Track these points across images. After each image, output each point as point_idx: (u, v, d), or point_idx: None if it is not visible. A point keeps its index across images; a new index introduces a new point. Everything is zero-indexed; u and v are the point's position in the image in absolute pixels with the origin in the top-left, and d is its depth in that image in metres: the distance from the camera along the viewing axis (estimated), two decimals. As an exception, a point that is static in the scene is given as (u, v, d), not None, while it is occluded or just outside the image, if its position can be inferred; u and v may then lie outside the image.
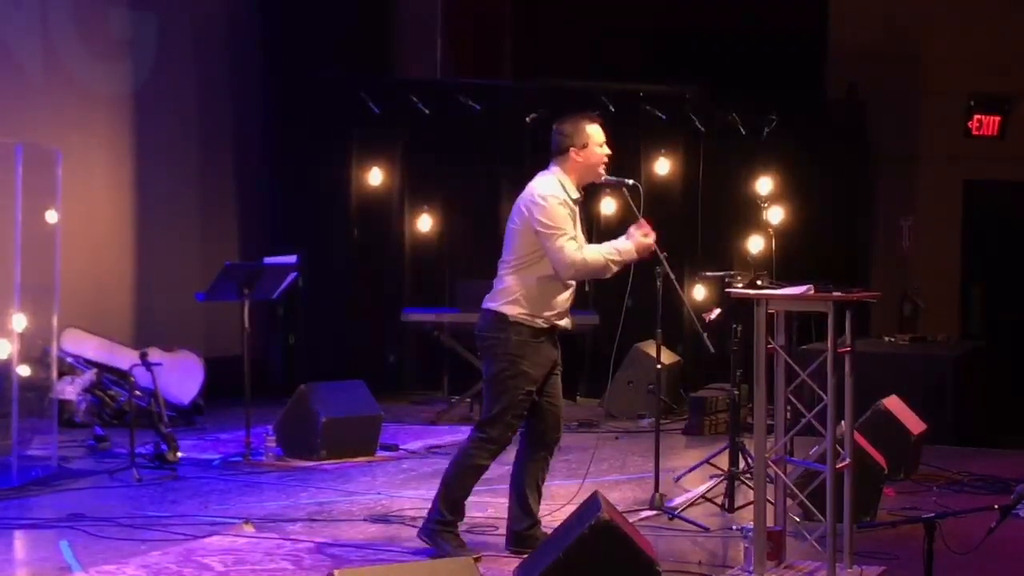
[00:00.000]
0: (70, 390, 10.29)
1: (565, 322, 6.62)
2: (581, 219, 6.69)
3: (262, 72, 12.83)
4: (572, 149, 6.58)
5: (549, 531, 6.58)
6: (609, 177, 6.94)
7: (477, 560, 6.21)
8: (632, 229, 6.58)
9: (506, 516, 6.76)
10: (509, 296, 6.51)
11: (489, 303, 6.59)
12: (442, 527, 6.58)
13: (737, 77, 12.84)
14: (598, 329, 11.58)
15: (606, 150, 6.64)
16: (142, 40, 11.87)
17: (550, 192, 6.50)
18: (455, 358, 11.77)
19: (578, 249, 6.45)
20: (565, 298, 6.57)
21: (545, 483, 6.77)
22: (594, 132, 6.62)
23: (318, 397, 9.20)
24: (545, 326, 6.52)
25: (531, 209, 6.49)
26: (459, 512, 6.65)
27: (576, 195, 6.59)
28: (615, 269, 6.53)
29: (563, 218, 6.45)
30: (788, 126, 12.72)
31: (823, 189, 12.94)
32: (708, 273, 9.33)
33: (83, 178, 10.88)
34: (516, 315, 6.48)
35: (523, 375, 6.49)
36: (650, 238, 6.56)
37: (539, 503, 6.73)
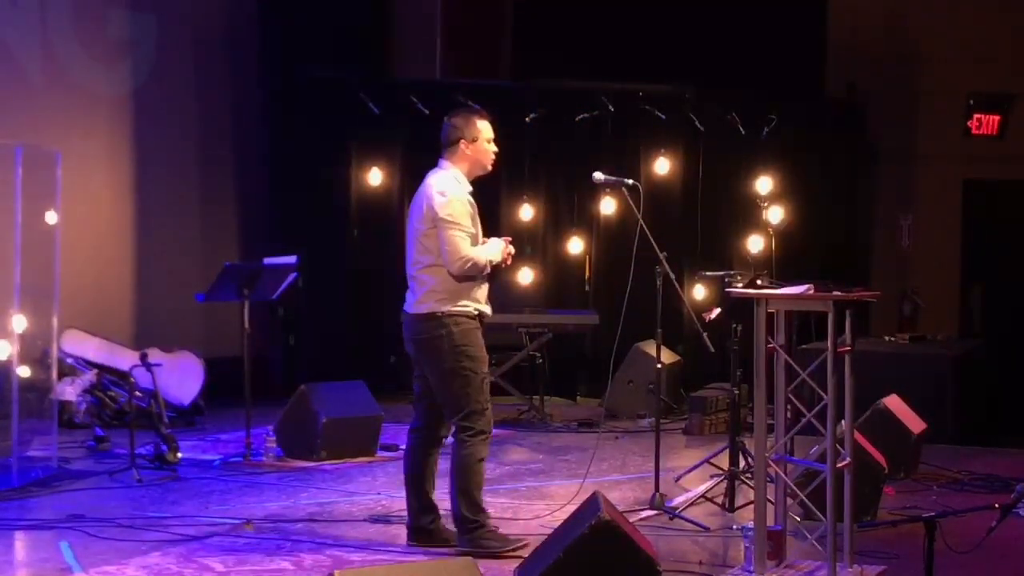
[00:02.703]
0: (70, 391, 10.30)
1: (488, 309, 6.79)
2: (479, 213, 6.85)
3: (262, 72, 12.83)
4: (462, 142, 6.77)
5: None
6: (609, 177, 6.95)
7: (519, 548, 6.33)
8: (501, 240, 6.78)
9: (406, 512, 6.88)
10: (437, 295, 6.63)
11: (418, 307, 6.69)
12: (478, 530, 6.62)
13: (737, 77, 12.83)
14: (598, 329, 11.58)
15: (494, 147, 6.83)
16: (142, 41, 11.87)
17: (450, 188, 6.68)
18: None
19: (471, 247, 6.62)
20: (484, 287, 6.76)
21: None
22: (484, 127, 6.81)
23: (318, 397, 9.20)
24: (476, 313, 6.69)
25: (432, 205, 6.63)
26: (482, 510, 6.69)
27: (469, 188, 6.78)
28: (488, 269, 6.71)
29: (464, 215, 6.65)
30: (788, 126, 12.71)
31: (823, 189, 12.94)
32: (708, 273, 9.34)
33: (83, 179, 10.89)
34: (451, 310, 6.62)
35: (476, 359, 6.64)
36: (510, 251, 6.79)
37: (435, 491, 6.86)
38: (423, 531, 6.83)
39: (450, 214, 6.60)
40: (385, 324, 12.50)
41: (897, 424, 8.62)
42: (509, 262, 6.86)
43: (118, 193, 11.71)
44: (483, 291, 6.74)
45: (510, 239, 6.88)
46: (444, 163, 6.81)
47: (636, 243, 7.15)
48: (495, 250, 6.75)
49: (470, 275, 6.62)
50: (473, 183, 6.84)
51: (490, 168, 6.86)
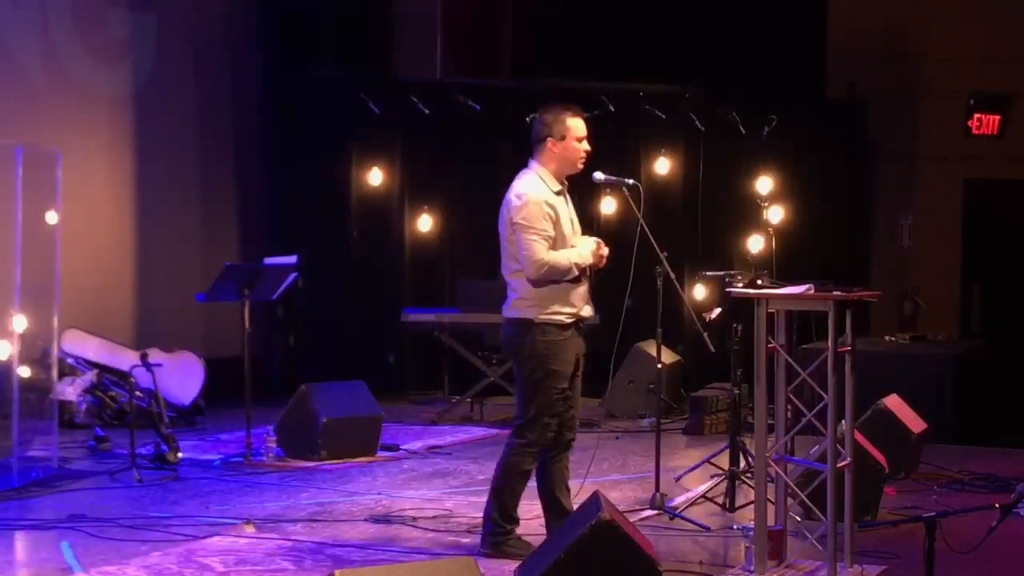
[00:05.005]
0: (71, 391, 10.30)
1: (588, 311, 6.64)
2: (572, 208, 6.70)
3: (262, 72, 12.84)
4: (550, 140, 6.59)
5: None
6: (609, 176, 6.93)
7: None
8: (593, 242, 6.62)
9: (544, 523, 6.75)
10: (527, 301, 6.52)
11: (510, 312, 6.60)
12: (504, 537, 6.59)
13: (737, 77, 12.84)
14: (598, 329, 11.55)
15: (585, 145, 6.64)
16: (142, 41, 11.88)
17: (528, 191, 6.52)
18: (455, 358, 11.77)
19: (548, 250, 6.45)
20: (582, 290, 6.59)
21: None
22: (575, 126, 6.61)
23: (319, 397, 9.19)
24: (569, 321, 6.55)
25: (510, 209, 6.53)
26: (515, 519, 6.65)
27: (558, 187, 6.59)
28: (575, 272, 6.54)
29: (540, 217, 6.46)
30: (788, 126, 12.72)
31: (823, 189, 12.94)
32: (708, 273, 9.34)
33: (83, 179, 10.89)
34: (540, 317, 6.49)
35: (554, 374, 6.52)
36: (603, 252, 6.60)
37: (571, 501, 6.74)
38: None
39: (524, 218, 6.44)
40: (385, 324, 12.53)
41: (897, 424, 8.62)
42: (603, 263, 6.63)
43: (118, 193, 11.72)
44: (578, 294, 6.55)
45: (602, 241, 6.67)
46: (532, 163, 6.63)
47: (636, 243, 7.15)
48: (584, 252, 6.55)
49: (550, 280, 6.45)
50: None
51: (580, 167, 6.64)
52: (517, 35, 14.35)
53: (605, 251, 6.62)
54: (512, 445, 6.60)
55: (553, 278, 6.47)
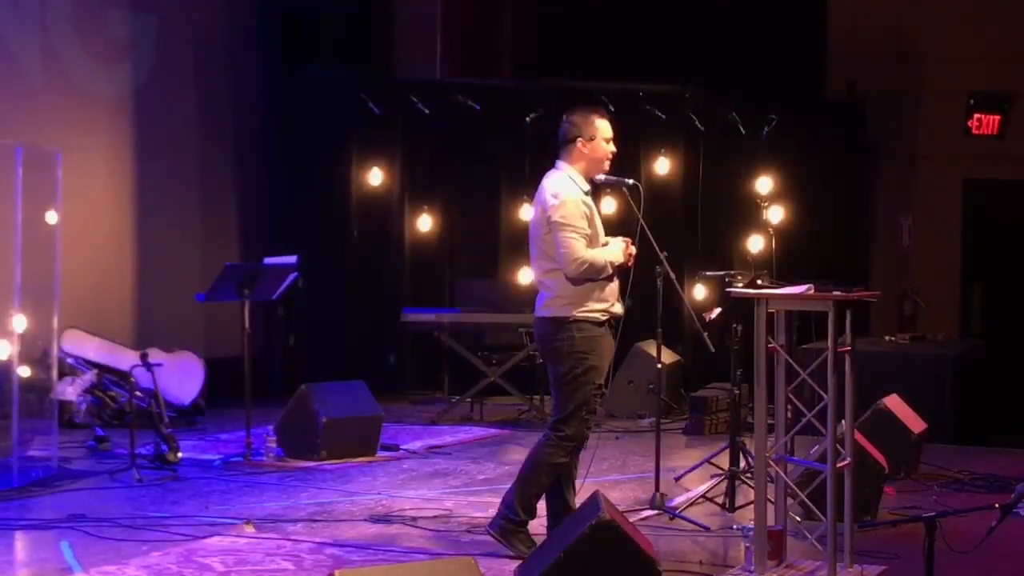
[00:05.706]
0: (70, 391, 10.29)
1: (618, 308, 6.69)
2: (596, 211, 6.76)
3: (262, 72, 12.84)
4: (579, 140, 6.65)
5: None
6: (609, 176, 6.96)
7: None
8: (621, 240, 6.67)
9: (546, 516, 6.76)
10: (561, 300, 6.56)
11: (544, 312, 6.63)
12: (515, 526, 6.61)
13: (737, 77, 12.84)
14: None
15: (612, 147, 6.73)
16: (142, 41, 11.87)
17: (563, 189, 6.58)
18: (455, 358, 11.77)
19: (586, 247, 6.51)
20: (614, 287, 6.64)
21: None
22: (602, 126, 6.70)
23: (319, 397, 9.19)
24: (604, 318, 6.59)
25: (547, 208, 6.57)
26: (533, 512, 6.67)
27: (587, 187, 6.68)
28: (610, 271, 6.60)
29: (578, 216, 6.53)
30: (788, 126, 12.72)
31: (823, 189, 12.94)
32: (708, 273, 9.35)
33: (83, 179, 10.89)
34: (575, 315, 6.53)
35: (592, 370, 6.55)
36: (631, 251, 6.66)
37: (575, 498, 6.76)
38: None
39: (563, 216, 6.50)
40: (385, 324, 12.53)
41: (897, 424, 8.62)
42: (631, 263, 6.68)
43: (118, 193, 11.71)
44: (611, 291, 6.60)
45: (631, 240, 6.73)
46: (560, 163, 6.70)
47: (636, 243, 7.16)
48: (615, 251, 6.62)
49: (588, 277, 6.51)
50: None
51: (606, 168, 6.73)
52: (517, 35, 14.36)
53: (633, 250, 6.69)
54: (549, 438, 6.63)
55: (591, 275, 6.53)
